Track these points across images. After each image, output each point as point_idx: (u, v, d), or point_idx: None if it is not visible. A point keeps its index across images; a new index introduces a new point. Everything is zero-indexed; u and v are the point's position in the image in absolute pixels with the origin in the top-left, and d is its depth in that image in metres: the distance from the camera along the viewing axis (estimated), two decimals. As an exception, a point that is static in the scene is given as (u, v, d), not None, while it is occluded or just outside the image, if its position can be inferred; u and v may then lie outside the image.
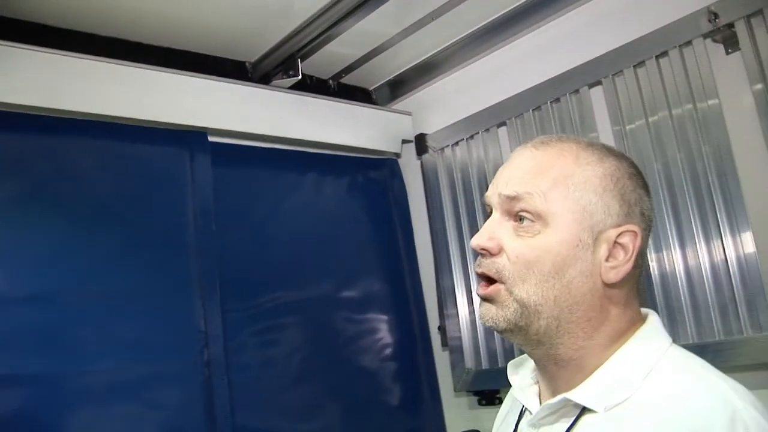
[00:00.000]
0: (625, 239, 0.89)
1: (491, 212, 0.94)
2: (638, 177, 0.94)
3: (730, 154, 1.58)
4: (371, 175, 2.34)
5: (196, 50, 2.04)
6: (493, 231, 0.91)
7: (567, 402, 0.88)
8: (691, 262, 1.64)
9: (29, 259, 1.64)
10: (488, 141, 2.12)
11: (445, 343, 2.21)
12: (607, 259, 0.88)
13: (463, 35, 2.15)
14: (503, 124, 2.07)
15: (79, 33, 1.82)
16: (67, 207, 1.72)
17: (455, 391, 2.17)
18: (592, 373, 0.88)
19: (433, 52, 2.25)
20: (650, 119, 1.74)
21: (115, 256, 1.75)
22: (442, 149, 2.25)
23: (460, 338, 2.15)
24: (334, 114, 2.21)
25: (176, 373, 1.77)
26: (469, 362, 2.12)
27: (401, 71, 2.36)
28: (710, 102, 1.62)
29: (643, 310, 0.95)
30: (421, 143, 2.32)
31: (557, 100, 1.93)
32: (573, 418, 0.87)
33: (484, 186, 2.11)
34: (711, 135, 1.62)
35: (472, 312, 2.13)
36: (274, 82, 2.09)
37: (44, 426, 1.56)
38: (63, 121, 1.73)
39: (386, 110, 2.38)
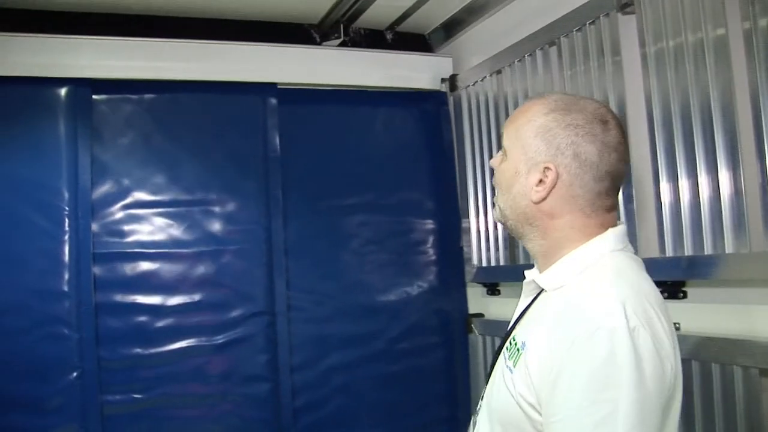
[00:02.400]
0: (547, 175, 1.23)
1: None
2: (583, 128, 1.23)
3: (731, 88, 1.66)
4: (418, 106, 2.89)
5: (270, 20, 2.74)
6: (496, 156, 1.36)
7: (533, 283, 1.30)
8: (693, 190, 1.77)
9: (158, 179, 2.55)
10: (494, 83, 2.58)
11: (461, 245, 2.80)
12: (537, 185, 1.24)
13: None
14: (510, 64, 2.47)
15: (177, 18, 2.62)
16: (180, 142, 2.59)
17: (466, 281, 2.77)
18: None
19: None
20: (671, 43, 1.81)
21: (208, 175, 2.60)
22: (466, 87, 2.75)
23: (470, 240, 2.73)
24: (378, 62, 2.80)
25: (245, 252, 2.61)
26: (475, 260, 2.71)
27: (449, 16, 2.80)
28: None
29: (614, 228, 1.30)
30: (453, 82, 2.82)
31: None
32: (537, 293, 1.31)
33: (492, 120, 2.60)
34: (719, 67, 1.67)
35: (478, 222, 2.69)
36: (330, 42, 2.73)
37: (155, 274, 2.51)
38: (171, 84, 2.58)
39: (426, 55, 2.92)
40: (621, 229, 1.28)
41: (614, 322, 1.08)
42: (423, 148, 2.88)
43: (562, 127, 1.23)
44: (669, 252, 1.84)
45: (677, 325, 1.85)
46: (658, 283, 1.56)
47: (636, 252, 1.31)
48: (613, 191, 1.29)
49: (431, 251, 2.85)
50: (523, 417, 1.17)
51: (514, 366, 1.21)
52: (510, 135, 1.30)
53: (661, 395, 1.09)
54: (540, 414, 1.14)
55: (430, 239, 2.86)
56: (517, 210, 1.28)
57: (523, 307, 1.34)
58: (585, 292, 1.18)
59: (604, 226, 1.26)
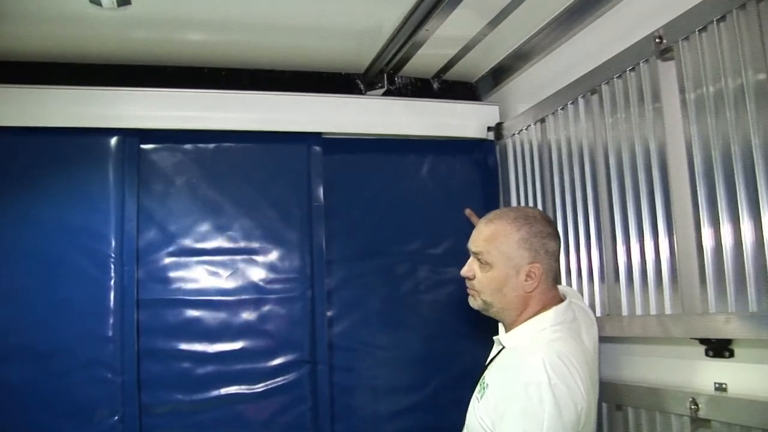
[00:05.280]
0: (534, 270, 1.77)
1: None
2: (543, 232, 1.79)
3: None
4: (465, 155, 2.87)
5: (316, 70, 2.79)
6: (471, 267, 1.85)
7: (499, 341, 1.87)
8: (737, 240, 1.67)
9: (202, 228, 2.60)
10: (538, 131, 2.54)
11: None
12: (525, 280, 1.77)
13: (545, 22, 2.42)
14: (554, 112, 2.42)
15: (223, 70, 2.70)
16: (225, 191, 2.63)
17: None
18: None
19: (520, 43, 2.58)
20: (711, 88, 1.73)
21: (252, 224, 2.64)
22: (512, 135, 2.71)
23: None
24: (423, 111, 2.79)
25: (288, 301, 2.61)
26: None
27: (496, 63, 2.78)
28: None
29: (561, 291, 1.89)
30: (498, 131, 2.79)
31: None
32: (500, 349, 1.85)
33: (536, 170, 2.55)
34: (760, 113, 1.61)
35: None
36: (374, 91, 2.75)
37: (198, 321, 2.53)
38: (217, 134, 2.64)
39: (473, 103, 2.90)
40: (562, 306, 1.80)
41: (540, 378, 1.59)
42: (470, 197, 2.82)
43: (533, 236, 1.78)
44: (712, 308, 1.73)
45: (724, 386, 1.75)
46: (701, 341, 1.77)
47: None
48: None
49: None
50: None
51: (481, 398, 1.76)
52: (491, 252, 1.80)
53: (574, 425, 1.59)
54: None
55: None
56: (506, 300, 1.80)
57: (493, 355, 1.89)
58: (525, 356, 1.69)
59: (555, 299, 1.82)
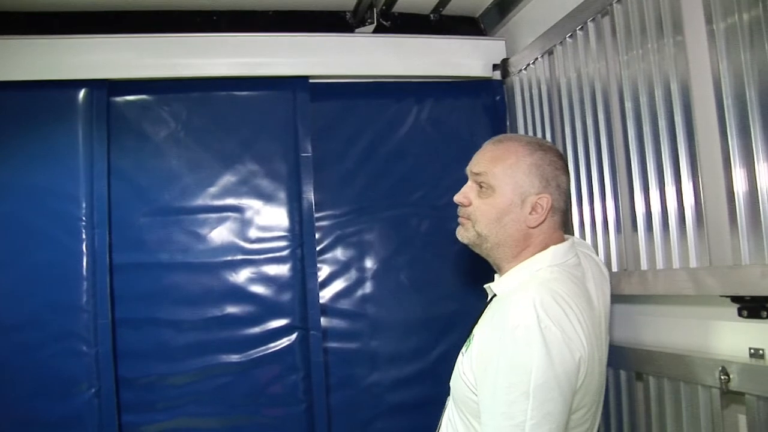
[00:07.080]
0: (542, 202, 1.52)
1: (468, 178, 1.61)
2: (557, 163, 1.56)
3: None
4: (468, 97, 2.58)
5: (299, 8, 2.51)
6: (467, 192, 1.60)
7: (490, 289, 1.61)
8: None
9: (179, 185, 2.38)
10: (546, 66, 2.25)
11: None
12: (530, 213, 1.53)
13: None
14: (562, 42, 2.14)
15: (197, 12, 2.45)
16: (203, 144, 2.40)
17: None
18: None
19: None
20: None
21: (234, 179, 2.41)
22: (519, 72, 2.42)
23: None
24: (420, 48, 2.50)
25: (275, 262, 2.39)
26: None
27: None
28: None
29: (566, 237, 1.61)
30: (504, 68, 2.50)
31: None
32: (491, 297, 1.60)
33: (545, 106, 2.27)
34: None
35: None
36: (365, 27, 2.47)
37: (177, 286, 2.33)
38: (192, 82, 2.40)
39: (474, 38, 2.59)
40: (562, 246, 1.56)
41: (529, 320, 1.34)
42: (474, 143, 2.50)
43: (547, 164, 1.55)
44: (745, 259, 1.46)
45: (761, 352, 1.49)
46: (733, 299, 1.51)
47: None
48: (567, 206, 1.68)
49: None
50: (466, 394, 1.47)
51: (465, 352, 1.52)
52: (496, 174, 1.54)
53: (570, 378, 1.35)
54: (475, 394, 1.44)
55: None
56: (503, 233, 1.55)
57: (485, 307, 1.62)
58: (513, 299, 1.42)
59: (555, 240, 1.57)
